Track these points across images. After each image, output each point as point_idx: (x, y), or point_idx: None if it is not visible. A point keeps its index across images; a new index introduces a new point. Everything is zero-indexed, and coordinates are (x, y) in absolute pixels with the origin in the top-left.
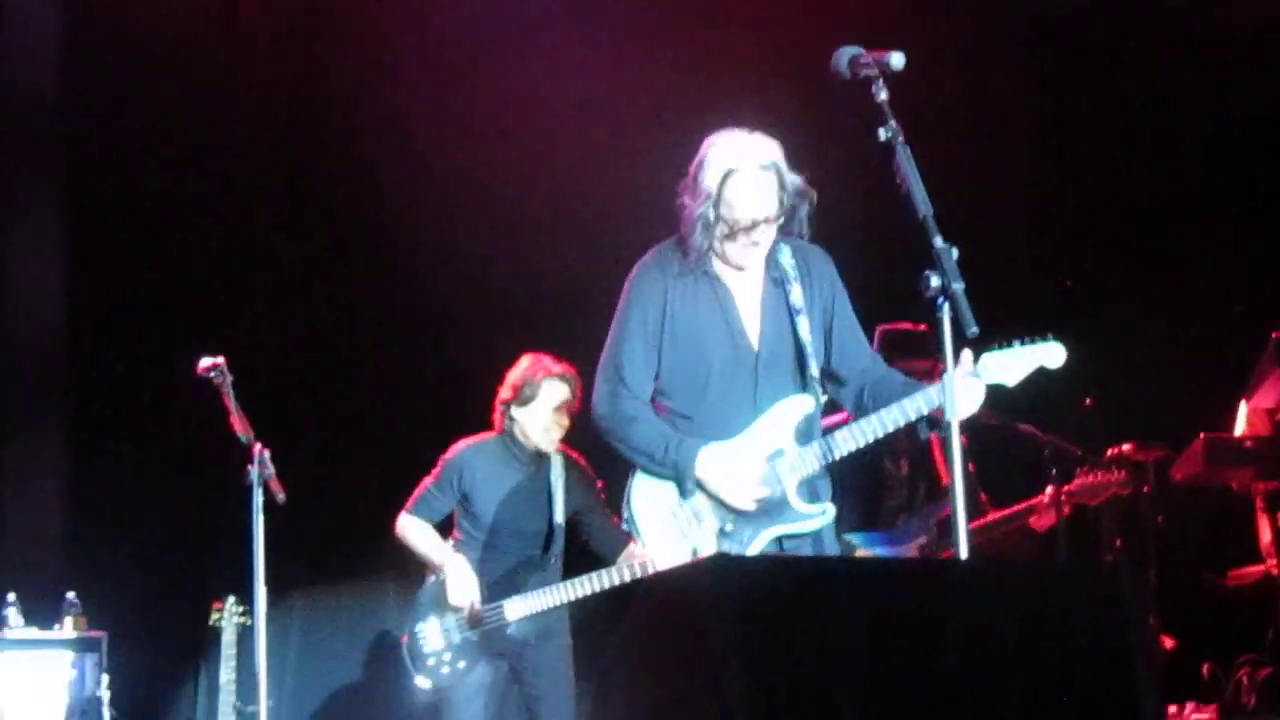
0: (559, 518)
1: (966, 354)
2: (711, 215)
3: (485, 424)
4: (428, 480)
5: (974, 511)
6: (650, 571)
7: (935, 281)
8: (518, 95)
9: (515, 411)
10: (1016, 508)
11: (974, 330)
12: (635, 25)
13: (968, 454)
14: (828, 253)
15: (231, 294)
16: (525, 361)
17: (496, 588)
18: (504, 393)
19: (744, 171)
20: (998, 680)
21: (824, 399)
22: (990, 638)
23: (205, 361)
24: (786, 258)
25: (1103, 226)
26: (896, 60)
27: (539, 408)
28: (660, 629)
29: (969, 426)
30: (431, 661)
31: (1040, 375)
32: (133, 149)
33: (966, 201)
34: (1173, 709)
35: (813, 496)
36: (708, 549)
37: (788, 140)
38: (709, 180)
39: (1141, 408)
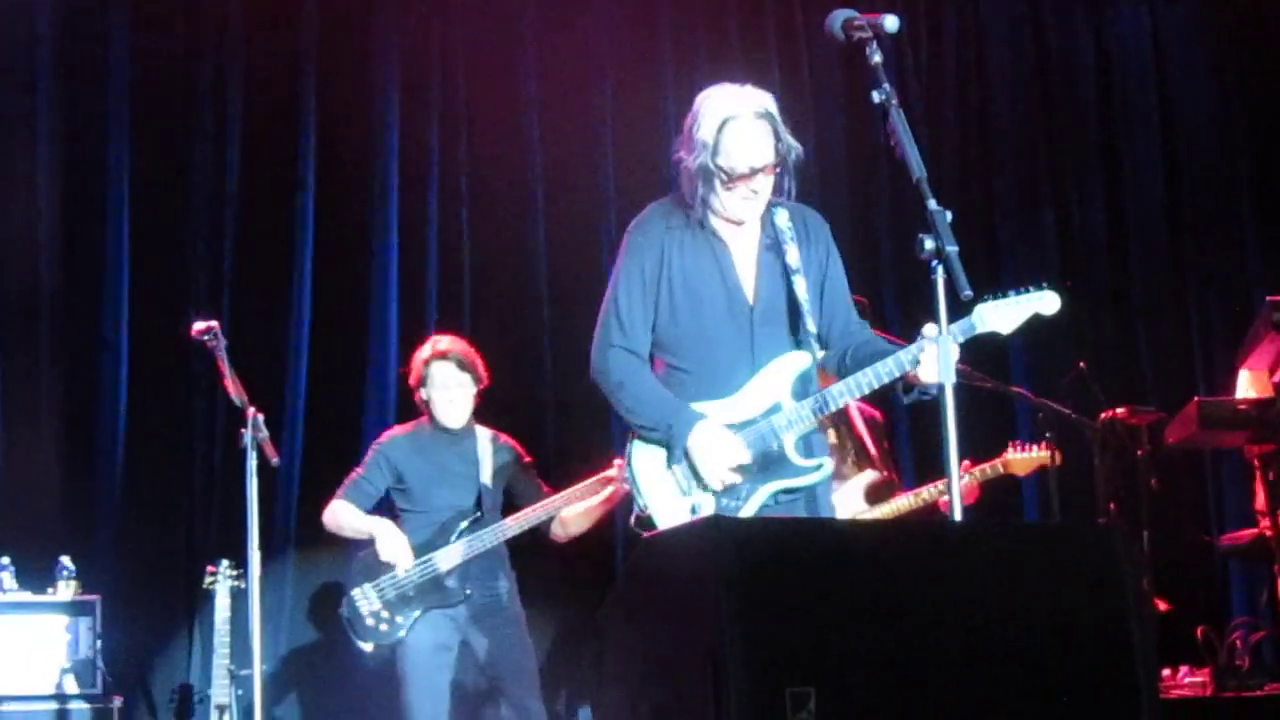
0: (485, 479)
1: (930, 326)
2: (711, 165)
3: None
4: (358, 469)
5: (885, 494)
6: (558, 503)
7: (929, 244)
8: (512, 74)
9: (421, 394)
10: (928, 485)
11: (968, 293)
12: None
13: (881, 431)
14: (825, 218)
15: (226, 257)
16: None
17: (430, 545)
18: (411, 377)
19: (741, 119)
20: (994, 642)
21: (820, 355)
22: (986, 600)
23: (199, 325)
24: (783, 219)
25: (1100, 190)
26: (890, 23)
27: (433, 389)
28: (657, 589)
29: (958, 390)
30: (370, 622)
31: (1037, 331)
32: (126, 110)
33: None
34: (1166, 672)
35: (809, 451)
36: (707, 505)
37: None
38: (705, 130)
39: (1135, 371)
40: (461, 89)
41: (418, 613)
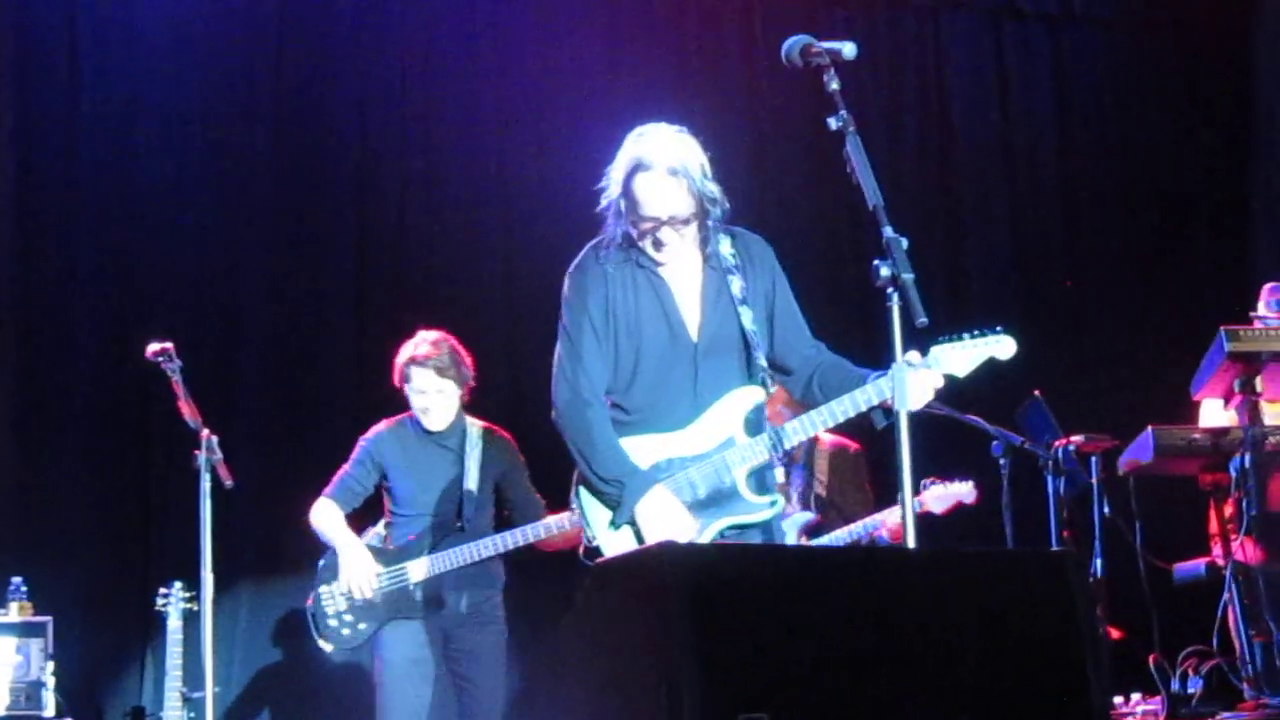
0: (470, 485)
1: (914, 354)
2: (622, 205)
3: None
4: (345, 465)
5: (819, 534)
6: (555, 532)
7: (885, 271)
8: (484, 83)
9: (406, 392)
10: (865, 519)
11: (923, 320)
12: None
13: (859, 460)
14: (768, 241)
15: (181, 279)
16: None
17: (409, 549)
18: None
19: (651, 171)
20: (950, 668)
21: (774, 388)
22: (940, 627)
23: (154, 346)
24: (726, 247)
25: (1056, 220)
26: (848, 50)
27: (411, 393)
28: (611, 615)
29: (917, 418)
30: (333, 623)
31: (990, 365)
32: (83, 128)
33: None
34: (1119, 700)
35: (762, 488)
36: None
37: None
38: (617, 172)
39: (1090, 399)
40: (419, 100)
41: (379, 623)
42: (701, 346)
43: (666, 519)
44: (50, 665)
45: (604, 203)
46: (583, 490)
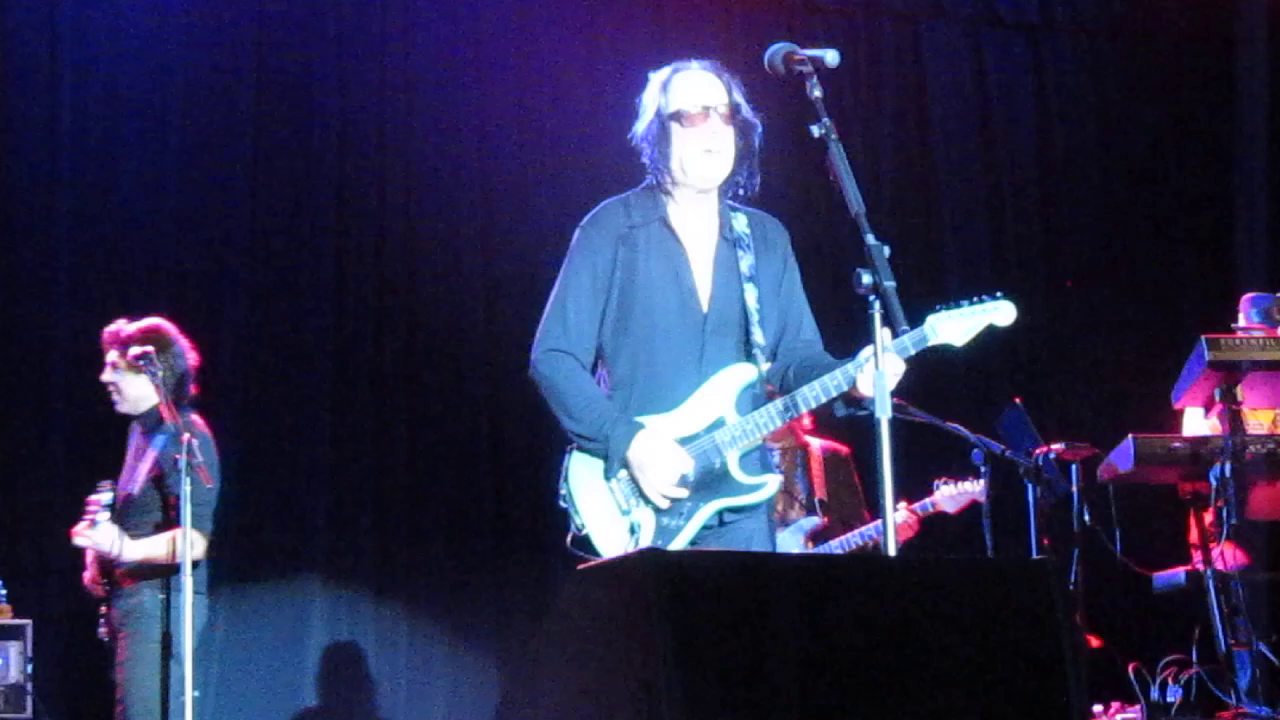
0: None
1: (885, 332)
2: (665, 114)
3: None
4: None
5: (855, 524)
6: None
7: (867, 279)
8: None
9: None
10: (873, 523)
11: (904, 328)
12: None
13: (850, 463)
14: (785, 226)
15: (161, 277)
16: None
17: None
18: None
19: (689, 69)
20: (928, 676)
21: (765, 368)
22: (921, 634)
23: (134, 350)
24: (741, 224)
25: (1037, 227)
26: (831, 58)
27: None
28: (591, 620)
29: (898, 426)
30: None
31: (973, 363)
32: (63, 126)
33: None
34: (1098, 709)
35: (754, 469)
36: (647, 524)
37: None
38: (653, 87)
39: (1070, 407)
40: (400, 89)
41: None
42: (710, 319)
43: (659, 461)
44: (30, 668)
45: (645, 132)
46: (570, 472)
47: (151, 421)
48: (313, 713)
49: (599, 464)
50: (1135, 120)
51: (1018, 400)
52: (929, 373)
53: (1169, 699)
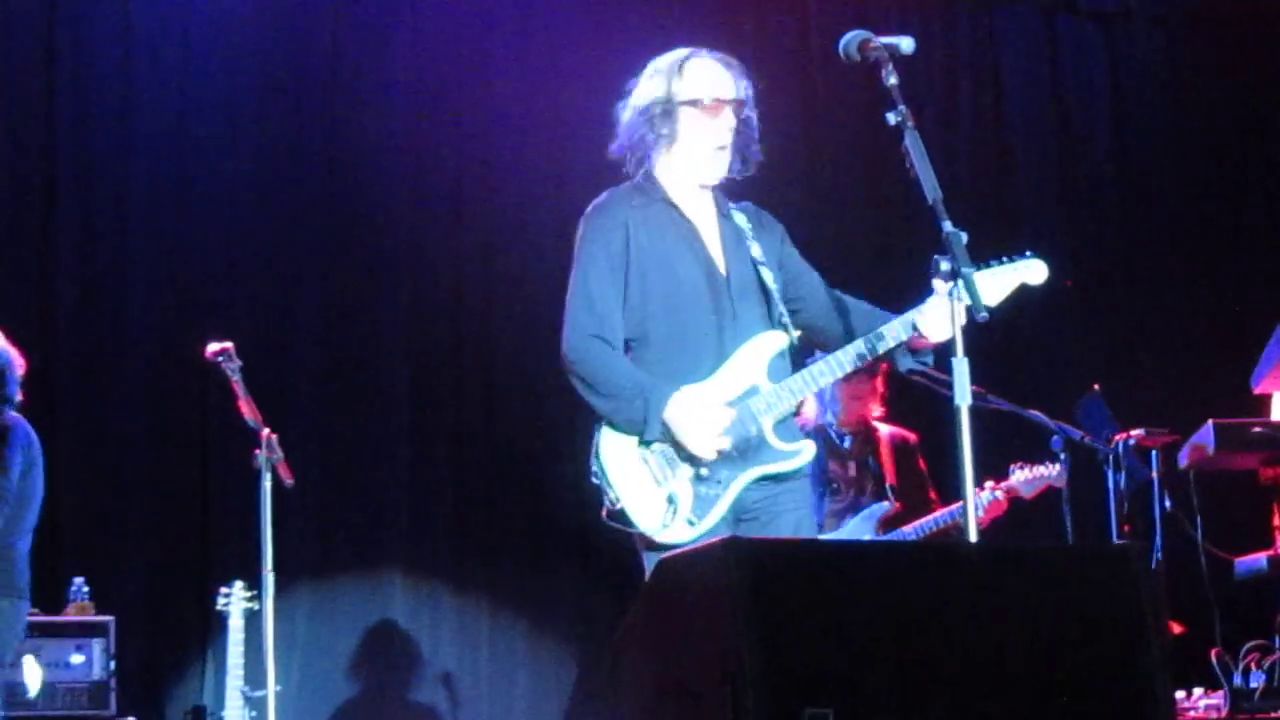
0: None
1: (940, 283)
2: (668, 101)
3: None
4: None
5: (923, 510)
6: None
7: (945, 266)
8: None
9: None
10: (949, 508)
11: (984, 315)
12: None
13: (917, 450)
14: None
15: (240, 278)
16: None
17: None
18: None
19: (703, 56)
20: (1010, 664)
21: (796, 335)
22: (1003, 622)
23: (213, 346)
24: (740, 219)
25: (1113, 214)
26: (906, 45)
27: None
28: (674, 610)
29: (977, 413)
30: None
31: (1052, 351)
32: (133, 126)
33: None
34: (1181, 695)
35: (791, 435)
36: (684, 495)
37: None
38: (664, 65)
39: (1149, 393)
40: (474, 94)
41: None
42: (734, 284)
43: (699, 419)
44: (113, 665)
45: (637, 113)
46: (602, 446)
47: None
48: (394, 706)
49: (631, 440)
50: (1212, 107)
51: (1096, 387)
52: (1008, 362)
53: (1252, 684)
